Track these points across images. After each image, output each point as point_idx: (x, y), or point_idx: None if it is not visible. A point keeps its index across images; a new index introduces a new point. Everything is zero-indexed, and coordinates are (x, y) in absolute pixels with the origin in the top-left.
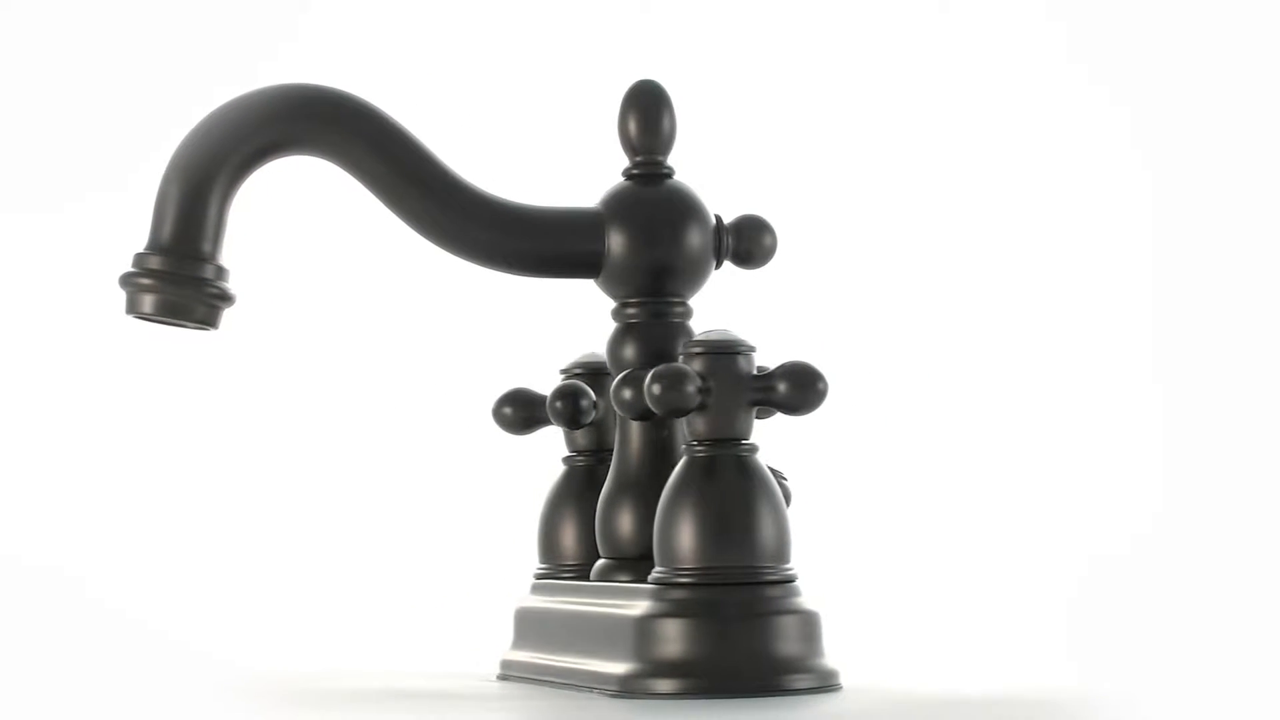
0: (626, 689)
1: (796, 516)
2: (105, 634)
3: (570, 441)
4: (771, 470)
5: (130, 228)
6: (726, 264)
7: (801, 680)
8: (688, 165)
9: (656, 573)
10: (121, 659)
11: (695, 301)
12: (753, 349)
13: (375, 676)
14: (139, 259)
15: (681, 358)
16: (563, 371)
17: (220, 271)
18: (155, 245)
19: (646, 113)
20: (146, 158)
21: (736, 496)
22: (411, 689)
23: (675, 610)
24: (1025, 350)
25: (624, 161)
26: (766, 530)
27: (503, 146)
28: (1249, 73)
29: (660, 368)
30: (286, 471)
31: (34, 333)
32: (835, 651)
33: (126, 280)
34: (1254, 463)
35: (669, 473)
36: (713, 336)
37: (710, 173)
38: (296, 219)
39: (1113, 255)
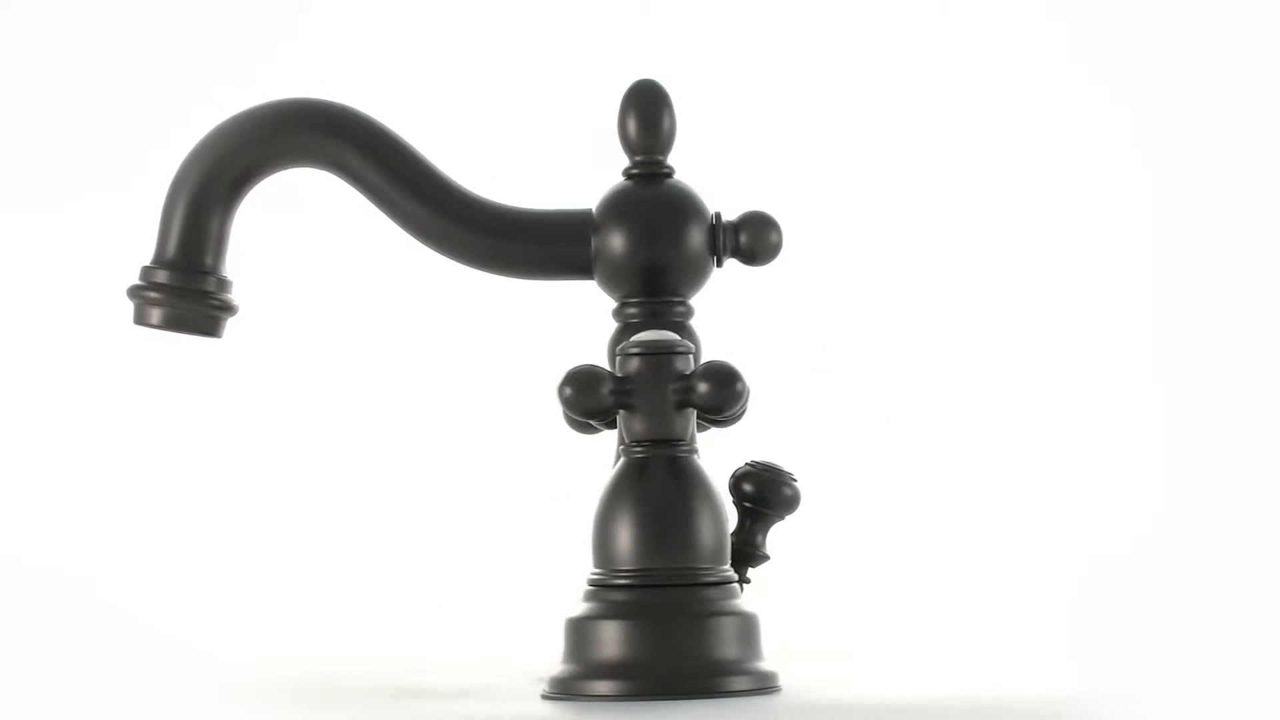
0: (562, 690)
1: (800, 515)
2: (106, 634)
3: None
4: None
5: (131, 229)
6: (733, 262)
7: (739, 682)
8: (690, 165)
9: (593, 574)
10: (124, 659)
11: (703, 301)
12: (689, 350)
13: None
14: (145, 273)
15: (619, 359)
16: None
17: (223, 283)
18: (160, 260)
19: (645, 112)
20: (148, 158)
21: (673, 498)
22: (436, 686)
23: (612, 612)
24: (1025, 350)
25: (625, 161)
26: (704, 531)
27: (503, 147)
28: (1249, 73)
29: (573, 369)
30: (355, 475)
31: (34, 333)
32: (820, 651)
33: (134, 293)
34: (1254, 463)
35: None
36: (647, 337)
37: (713, 172)
38: (317, 227)
39: (1113, 255)
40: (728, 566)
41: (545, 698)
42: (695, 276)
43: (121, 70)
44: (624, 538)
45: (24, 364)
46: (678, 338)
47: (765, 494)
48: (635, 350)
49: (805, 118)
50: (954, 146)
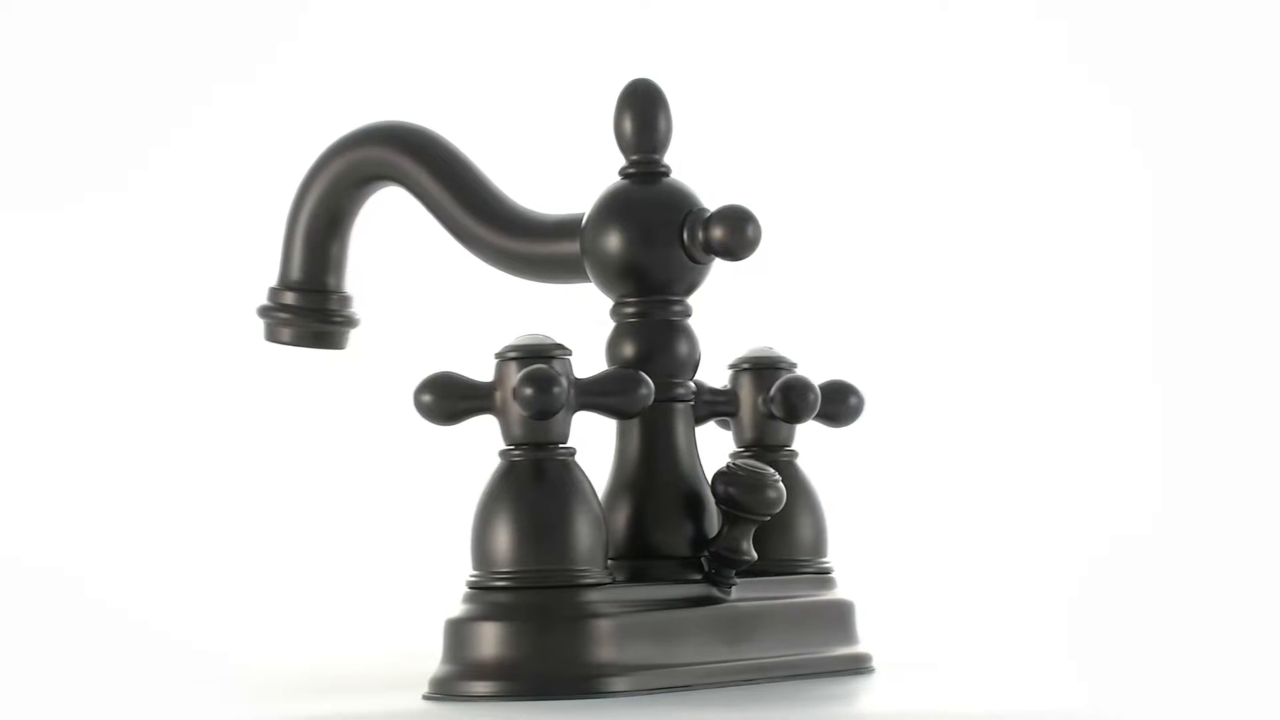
0: (441, 691)
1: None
2: (105, 634)
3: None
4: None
5: (130, 228)
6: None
7: (616, 683)
8: (692, 164)
9: (472, 575)
10: (121, 658)
11: (712, 298)
12: (568, 352)
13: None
14: (273, 294)
15: (497, 362)
16: (731, 366)
17: (345, 300)
18: (285, 281)
19: (641, 112)
20: (148, 158)
21: (552, 500)
22: (318, 684)
23: (490, 613)
24: (1025, 350)
25: (622, 160)
26: (580, 533)
27: (502, 146)
28: (1249, 73)
29: (430, 376)
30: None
31: (33, 333)
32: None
33: (264, 313)
34: (1255, 462)
35: (661, 470)
36: (524, 341)
37: (712, 172)
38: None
39: (1113, 255)
40: (605, 568)
41: (426, 698)
42: (689, 275)
43: (122, 70)
44: (501, 540)
45: (23, 363)
46: (550, 341)
47: (744, 499)
48: (512, 354)
49: (806, 117)
50: (953, 146)
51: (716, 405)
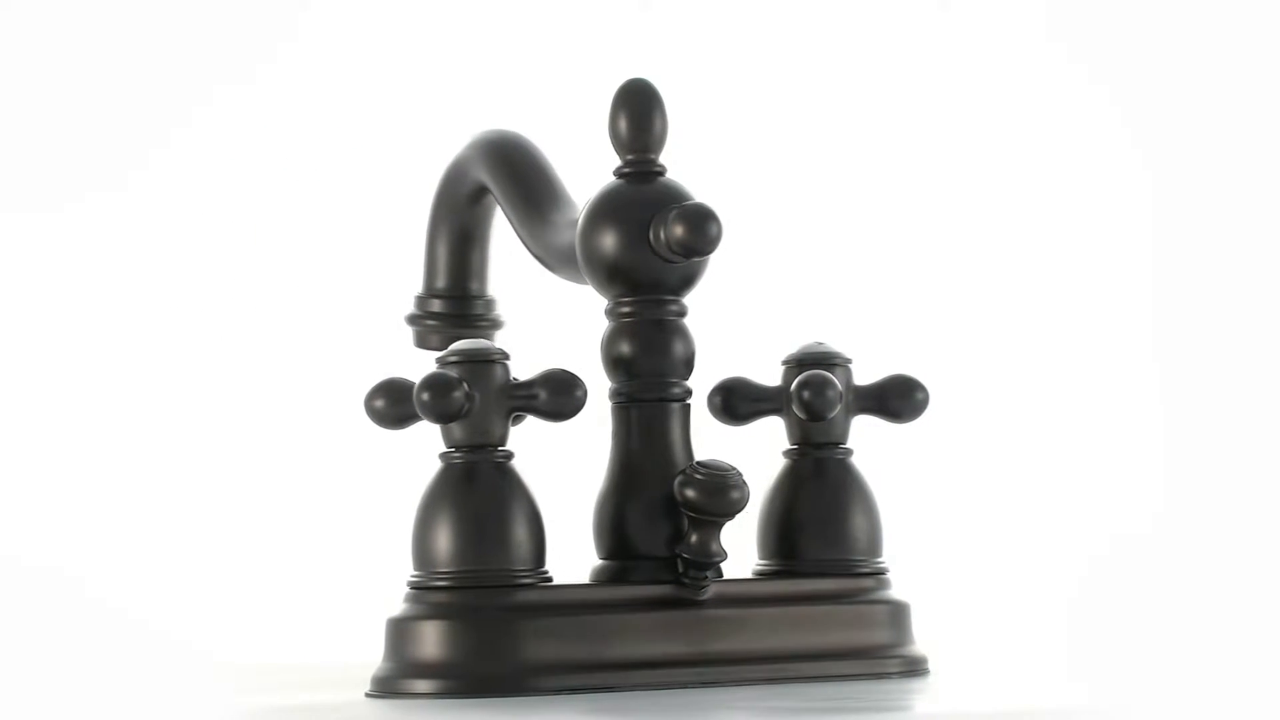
0: (383, 689)
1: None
2: (105, 634)
3: None
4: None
5: (130, 228)
6: (736, 258)
7: (551, 682)
8: (692, 163)
9: (413, 575)
10: (121, 658)
11: (701, 298)
12: (507, 357)
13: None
14: (420, 303)
15: (437, 365)
16: (784, 363)
17: (490, 303)
18: (431, 289)
19: (636, 111)
20: (148, 158)
21: (493, 502)
22: (263, 682)
23: (430, 613)
24: (1024, 350)
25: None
26: (519, 534)
27: None
28: (1249, 73)
29: (382, 381)
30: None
31: (33, 333)
32: None
33: (413, 321)
34: (1256, 462)
35: (649, 470)
36: (467, 346)
37: (711, 171)
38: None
39: (1113, 255)
40: (546, 568)
41: (368, 695)
42: (678, 274)
43: (122, 70)
44: (438, 541)
45: (23, 363)
46: (488, 346)
47: (705, 502)
48: (455, 358)
49: (806, 117)
50: (953, 146)
51: (761, 405)
